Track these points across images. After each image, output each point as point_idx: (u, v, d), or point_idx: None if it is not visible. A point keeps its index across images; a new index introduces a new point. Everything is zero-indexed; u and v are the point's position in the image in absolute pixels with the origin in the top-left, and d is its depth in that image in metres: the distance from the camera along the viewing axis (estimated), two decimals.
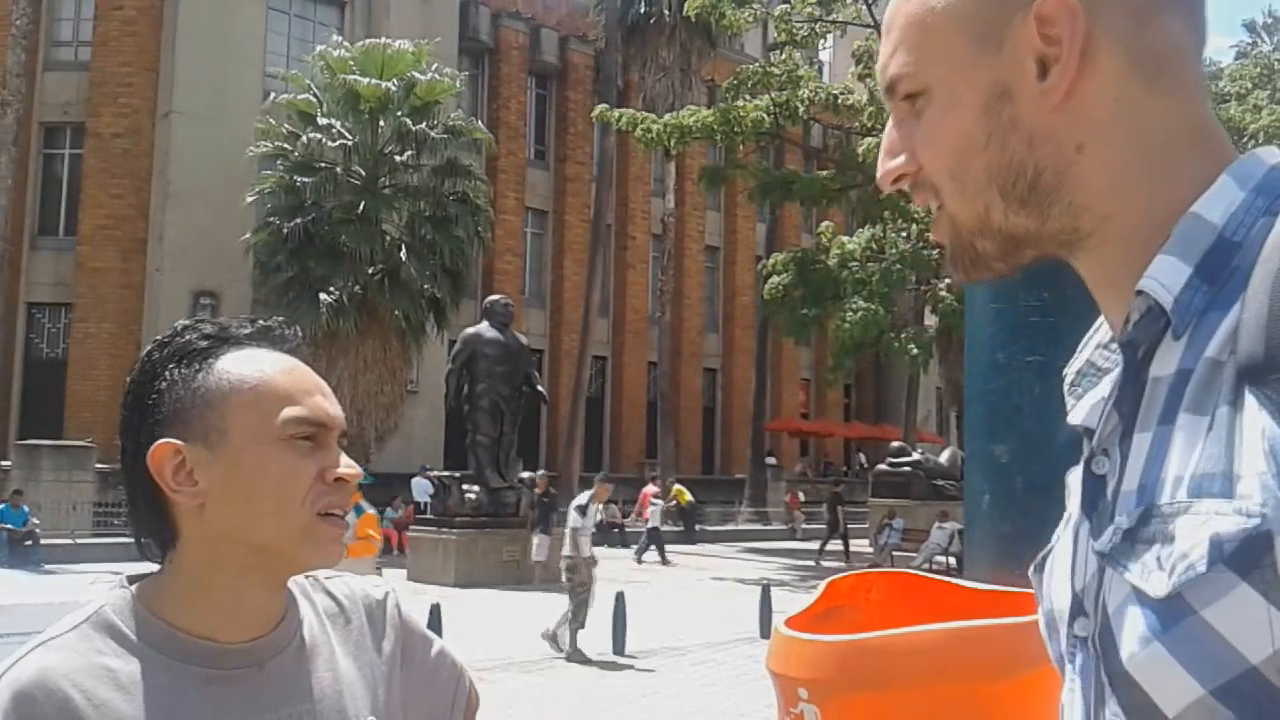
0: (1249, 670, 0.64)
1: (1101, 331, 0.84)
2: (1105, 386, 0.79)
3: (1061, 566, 0.79)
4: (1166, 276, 0.72)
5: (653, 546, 23.12)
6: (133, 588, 1.10)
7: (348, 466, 1.09)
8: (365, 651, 1.18)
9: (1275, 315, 0.67)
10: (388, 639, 1.21)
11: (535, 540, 17.13)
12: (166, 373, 1.08)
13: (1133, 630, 0.68)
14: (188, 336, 1.10)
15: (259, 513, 1.05)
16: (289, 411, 1.07)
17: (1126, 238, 0.76)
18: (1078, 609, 0.76)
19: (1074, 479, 0.82)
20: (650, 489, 26.79)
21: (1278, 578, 0.63)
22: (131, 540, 1.13)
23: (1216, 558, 0.64)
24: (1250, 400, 0.67)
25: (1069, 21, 0.74)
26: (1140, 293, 0.72)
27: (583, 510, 11.89)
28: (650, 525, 23.46)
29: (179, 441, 1.06)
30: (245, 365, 1.08)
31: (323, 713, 1.10)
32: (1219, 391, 0.68)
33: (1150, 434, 0.72)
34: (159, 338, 1.11)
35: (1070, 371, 0.85)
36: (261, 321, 1.14)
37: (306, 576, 1.20)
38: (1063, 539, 0.81)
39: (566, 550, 11.73)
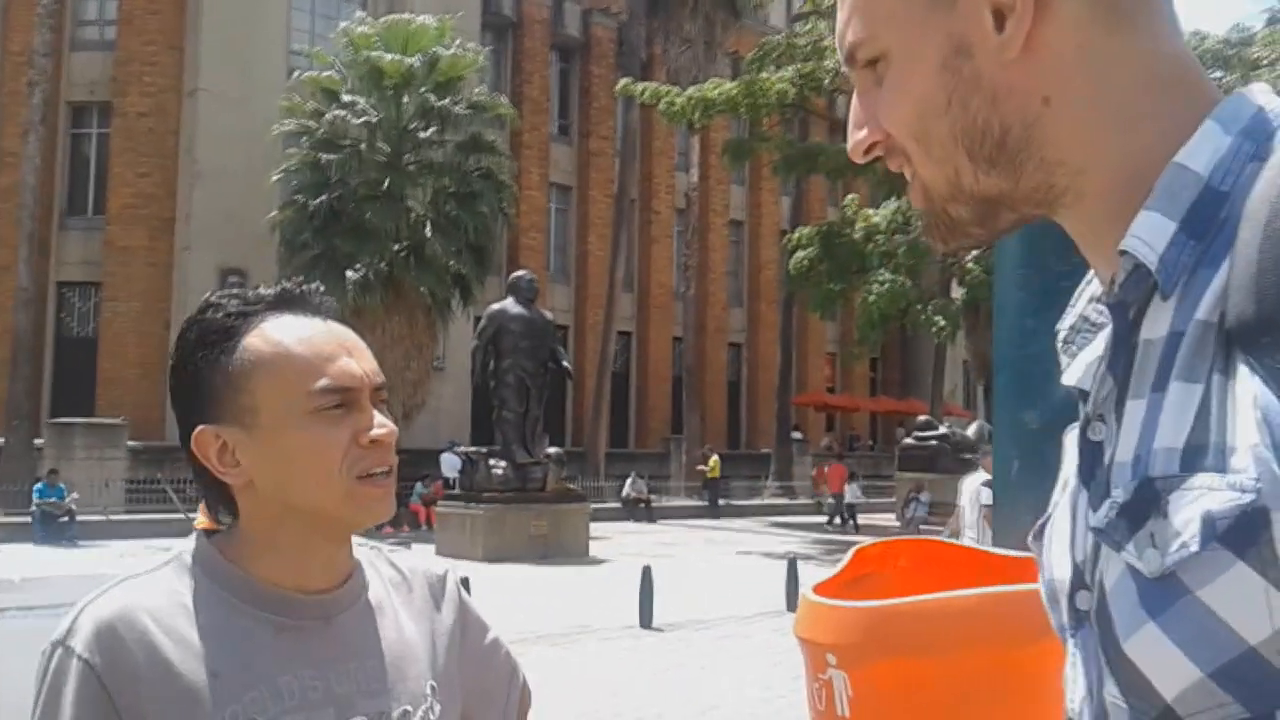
0: (1248, 652, 0.61)
1: (1094, 284, 0.80)
2: (1100, 343, 0.76)
3: (1060, 536, 0.76)
4: (1150, 234, 0.68)
5: (838, 516, 27.15)
6: (211, 539, 1.14)
7: (380, 427, 1.10)
8: (426, 620, 1.21)
9: (1265, 272, 0.63)
10: (448, 612, 1.24)
11: None
12: (198, 356, 1.10)
13: (1129, 610, 0.66)
14: (213, 316, 1.11)
15: (301, 485, 1.08)
16: (313, 384, 1.08)
17: (1106, 191, 0.72)
18: (1079, 581, 0.73)
19: (1071, 441, 0.78)
20: (839, 465, 29.12)
21: (1275, 555, 0.60)
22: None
23: (1209, 536, 0.61)
24: (1242, 367, 0.63)
25: None
26: (1124, 252, 0.69)
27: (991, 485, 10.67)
28: (847, 500, 26.97)
29: (216, 426, 1.09)
30: (266, 342, 1.09)
31: (386, 670, 1.13)
32: (1210, 356, 0.65)
33: (1144, 401, 0.68)
34: (189, 317, 1.13)
35: (1063, 327, 0.81)
36: (283, 285, 1.15)
37: (372, 547, 1.24)
38: (1061, 506, 0.78)
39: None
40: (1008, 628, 1.15)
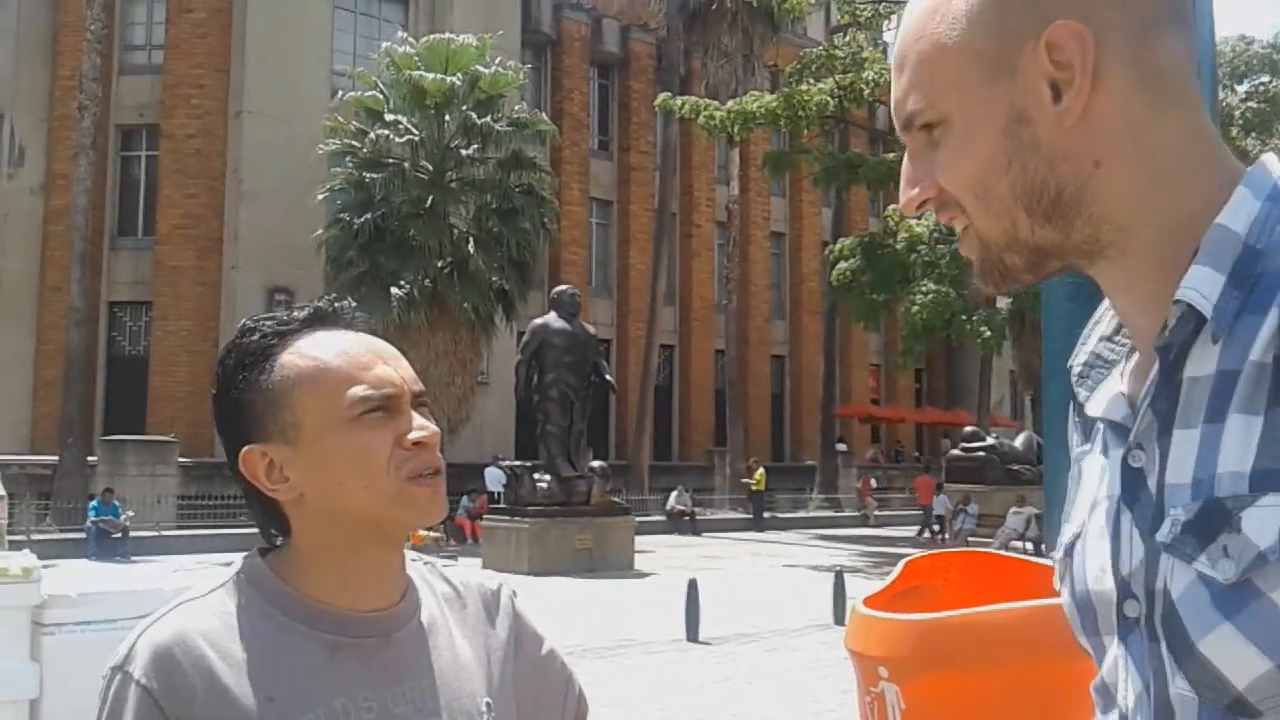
0: None
1: (1103, 324, 0.91)
2: (1115, 378, 0.86)
3: (1097, 552, 0.84)
4: (1204, 286, 0.77)
5: (928, 529, 27.30)
6: (264, 558, 1.15)
7: (421, 429, 1.12)
8: (481, 636, 1.21)
9: None
10: (502, 627, 1.24)
11: None
12: (238, 380, 1.13)
13: (1202, 612, 0.74)
14: (249, 340, 1.14)
15: (351, 491, 1.09)
16: (351, 392, 1.10)
17: (1146, 247, 0.81)
18: (1125, 592, 0.81)
19: (1091, 465, 0.88)
20: (928, 477, 28.91)
21: None
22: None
23: None
24: None
25: (1079, 47, 0.79)
26: (1177, 301, 0.77)
27: None
28: (937, 512, 26.88)
29: (262, 445, 1.11)
30: (303, 357, 1.12)
31: (442, 688, 1.13)
32: (1267, 392, 0.73)
33: (1196, 431, 0.76)
34: (227, 344, 1.16)
35: (1076, 364, 0.91)
36: (314, 304, 1.18)
37: (426, 563, 1.24)
38: (1091, 525, 0.86)
39: None
40: (1061, 640, 1.14)
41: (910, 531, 28.14)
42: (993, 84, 0.81)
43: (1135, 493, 0.80)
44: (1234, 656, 0.73)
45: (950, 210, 0.86)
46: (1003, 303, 23.95)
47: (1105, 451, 0.86)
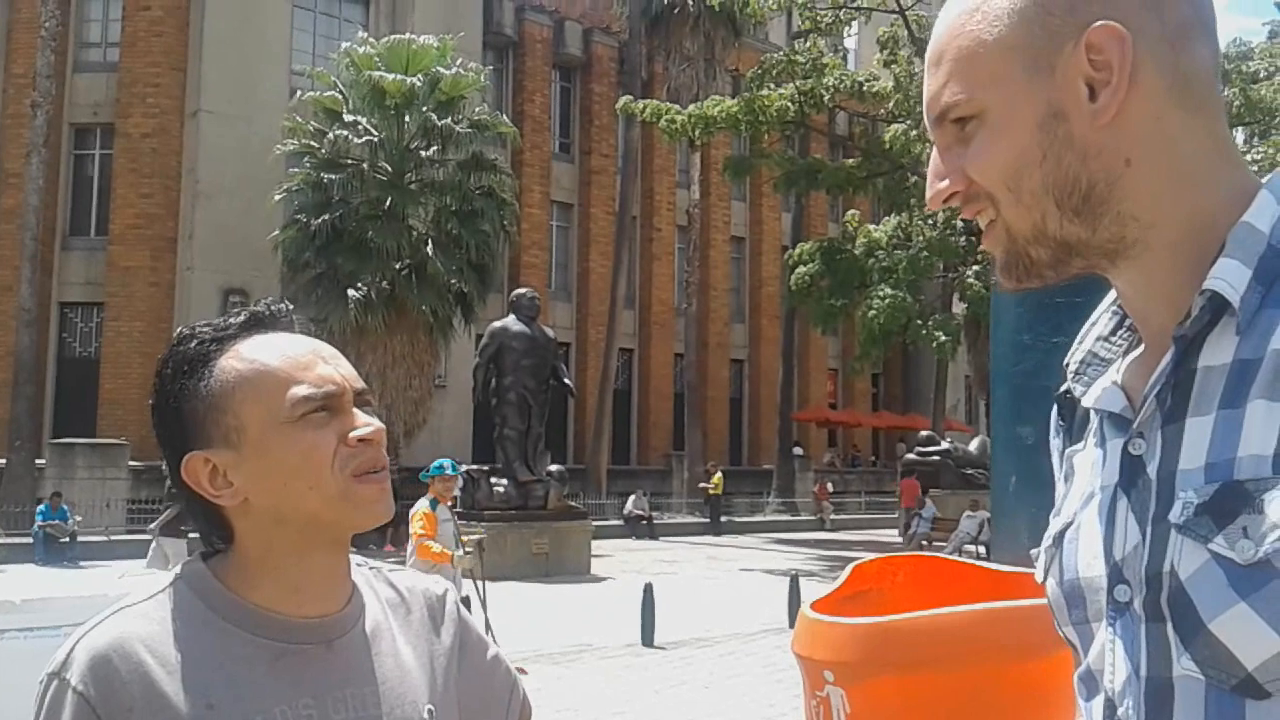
0: None
1: (1099, 325, 0.93)
2: (1112, 374, 0.88)
3: (1090, 540, 0.85)
4: (1232, 277, 0.79)
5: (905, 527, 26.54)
6: (206, 563, 1.13)
7: (366, 426, 1.11)
8: (425, 642, 1.20)
9: None
10: (446, 633, 1.23)
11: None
12: (178, 388, 1.11)
13: (1215, 593, 0.75)
14: (186, 347, 1.12)
15: (296, 492, 1.08)
16: (292, 392, 1.09)
17: (1169, 244, 0.84)
18: (1117, 577, 0.82)
19: (1083, 460, 0.89)
20: (912, 480, 28.57)
21: None
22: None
23: None
24: None
25: (1118, 49, 0.82)
26: (1203, 291, 0.80)
27: None
28: (925, 514, 25.90)
29: (205, 451, 1.09)
30: (242, 361, 1.11)
31: (385, 695, 1.12)
32: None
33: (1210, 418, 0.78)
34: (164, 354, 1.15)
35: (1073, 361, 0.93)
36: (251, 309, 1.16)
37: (371, 568, 1.23)
38: (1086, 515, 0.87)
39: None
40: (1006, 643, 1.15)
41: (872, 536, 28.25)
42: (1031, 80, 0.84)
43: (1133, 479, 0.82)
44: (1247, 636, 0.73)
45: (978, 203, 0.87)
46: (958, 308, 24.19)
47: (1101, 444, 0.87)
